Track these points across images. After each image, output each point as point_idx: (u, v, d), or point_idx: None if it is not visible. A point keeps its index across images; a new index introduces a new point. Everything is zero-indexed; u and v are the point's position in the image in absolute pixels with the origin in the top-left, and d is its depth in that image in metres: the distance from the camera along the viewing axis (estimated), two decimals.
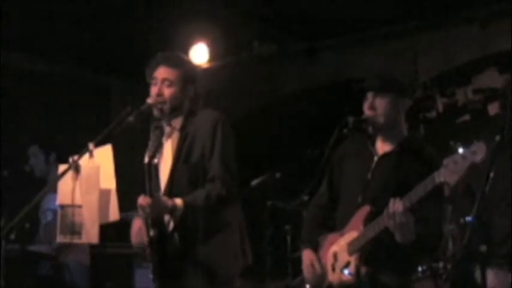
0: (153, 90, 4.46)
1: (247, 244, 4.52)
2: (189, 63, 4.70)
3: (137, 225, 4.49)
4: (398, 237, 3.93)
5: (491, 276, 4.98)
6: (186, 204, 4.24)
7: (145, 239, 4.40)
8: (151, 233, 4.32)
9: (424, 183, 3.77)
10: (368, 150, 4.30)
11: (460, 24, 7.61)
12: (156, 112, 4.44)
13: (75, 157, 4.32)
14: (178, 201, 4.24)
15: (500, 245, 5.17)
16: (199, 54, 8.23)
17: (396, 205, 3.90)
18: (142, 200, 4.19)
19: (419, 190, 3.79)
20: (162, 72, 4.47)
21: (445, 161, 3.64)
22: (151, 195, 4.23)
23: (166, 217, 4.36)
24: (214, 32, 8.07)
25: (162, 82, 4.45)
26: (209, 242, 4.34)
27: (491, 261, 5.07)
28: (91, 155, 4.31)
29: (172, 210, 4.23)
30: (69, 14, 7.51)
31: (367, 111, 4.21)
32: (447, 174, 3.64)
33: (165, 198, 4.26)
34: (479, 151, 3.54)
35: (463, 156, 3.58)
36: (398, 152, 4.19)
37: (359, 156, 4.34)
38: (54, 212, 5.18)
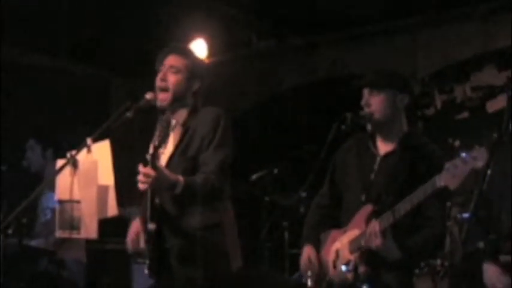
0: (159, 76, 4.46)
1: (237, 245, 4.50)
2: (198, 58, 4.73)
3: (135, 228, 4.46)
4: (383, 255, 3.98)
5: (491, 271, 4.97)
6: (186, 183, 4.20)
7: (141, 245, 4.37)
8: (151, 226, 4.27)
9: (424, 186, 3.79)
10: (370, 150, 4.31)
11: (459, 20, 7.60)
12: (158, 102, 4.42)
13: (73, 152, 4.32)
14: (180, 177, 4.21)
15: (507, 238, 5.17)
16: (198, 50, 8.21)
17: (373, 226, 3.94)
18: (145, 169, 4.10)
19: (420, 193, 3.81)
20: (170, 60, 4.48)
21: (447, 165, 3.64)
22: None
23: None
24: (213, 28, 8.05)
25: (168, 68, 4.45)
26: (201, 239, 4.31)
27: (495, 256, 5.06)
28: (89, 150, 4.32)
29: (173, 185, 4.19)
30: (69, 9, 7.50)
31: (364, 107, 4.23)
32: (448, 178, 3.65)
33: (168, 171, 4.21)
34: (480, 157, 3.54)
35: (464, 160, 3.58)
36: (400, 150, 4.20)
37: (361, 157, 4.36)
38: (53, 211, 5.17)
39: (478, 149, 3.55)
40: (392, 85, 4.24)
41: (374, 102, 4.21)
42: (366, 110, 4.22)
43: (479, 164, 3.52)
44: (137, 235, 4.42)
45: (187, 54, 4.58)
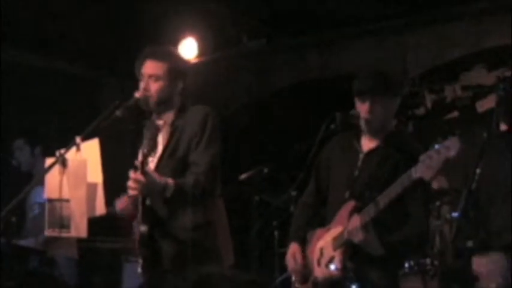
0: (141, 85, 4.44)
1: (229, 242, 4.50)
2: (177, 57, 4.67)
3: (124, 198, 4.41)
4: (366, 250, 4.00)
5: (485, 261, 4.99)
6: (176, 185, 4.20)
7: (131, 206, 4.35)
8: (143, 228, 4.28)
9: (401, 179, 3.82)
10: (354, 147, 4.32)
11: (449, 20, 7.61)
12: (143, 106, 4.41)
13: (62, 151, 4.31)
14: (170, 180, 4.21)
15: (498, 236, 5.20)
16: (189, 49, 8.21)
17: (354, 221, 3.96)
18: (135, 175, 4.11)
19: (397, 186, 3.83)
20: (148, 67, 4.43)
21: (421, 157, 3.69)
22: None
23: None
24: (204, 27, 8.05)
25: (149, 77, 4.41)
26: (192, 239, 4.31)
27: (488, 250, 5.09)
28: (78, 149, 4.31)
29: (164, 189, 4.19)
30: (60, 10, 7.49)
31: (364, 114, 4.16)
32: (423, 169, 3.69)
33: (157, 175, 4.21)
34: (452, 146, 3.58)
35: (437, 151, 3.63)
36: (383, 147, 4.21)
37: (345, 154, 4.36)
38: (41, 206, 5.15)
39: (450, 138, 3.60)
40: (393, 90, 4.21)
41: (376, 109, 4.14)
42: (366, 116, 4.16)
43: (452, 153, 3.56)
44: (126, 201, 4.38)
45: (165, 57, 4.48)
